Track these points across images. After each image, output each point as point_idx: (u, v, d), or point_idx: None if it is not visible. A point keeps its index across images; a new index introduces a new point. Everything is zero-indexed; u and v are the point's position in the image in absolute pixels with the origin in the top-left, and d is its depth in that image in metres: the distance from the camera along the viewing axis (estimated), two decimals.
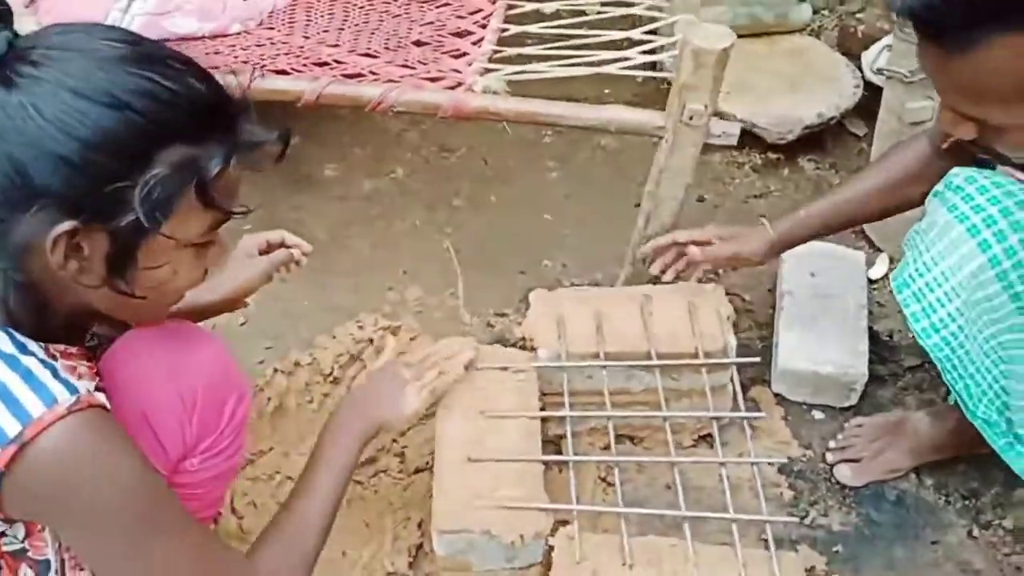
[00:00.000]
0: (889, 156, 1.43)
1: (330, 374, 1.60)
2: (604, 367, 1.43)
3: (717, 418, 1.43)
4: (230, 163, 0.85)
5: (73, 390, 0.83)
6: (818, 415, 1.61)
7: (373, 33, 1.69)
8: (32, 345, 0.85)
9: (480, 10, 1.74)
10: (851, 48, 2.29)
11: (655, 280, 1.65)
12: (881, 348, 1.68)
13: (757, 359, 1.50)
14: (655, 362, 1.43)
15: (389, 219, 2.02)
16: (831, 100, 2.13)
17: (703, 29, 1.39)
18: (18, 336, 0.85)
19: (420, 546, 1.40)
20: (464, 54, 1.63)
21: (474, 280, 1.87)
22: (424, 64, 1.59)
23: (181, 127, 0.83)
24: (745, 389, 1.61)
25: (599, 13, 1.79)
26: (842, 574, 1.39)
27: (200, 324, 1.69)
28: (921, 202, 1.24)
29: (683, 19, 1.53)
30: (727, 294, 1.56)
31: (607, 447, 1.42)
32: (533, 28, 1.73)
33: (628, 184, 2.03)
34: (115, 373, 0.96)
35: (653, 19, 1.73)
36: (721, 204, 2.08)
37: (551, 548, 1.24)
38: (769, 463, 1.51)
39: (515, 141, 2.22)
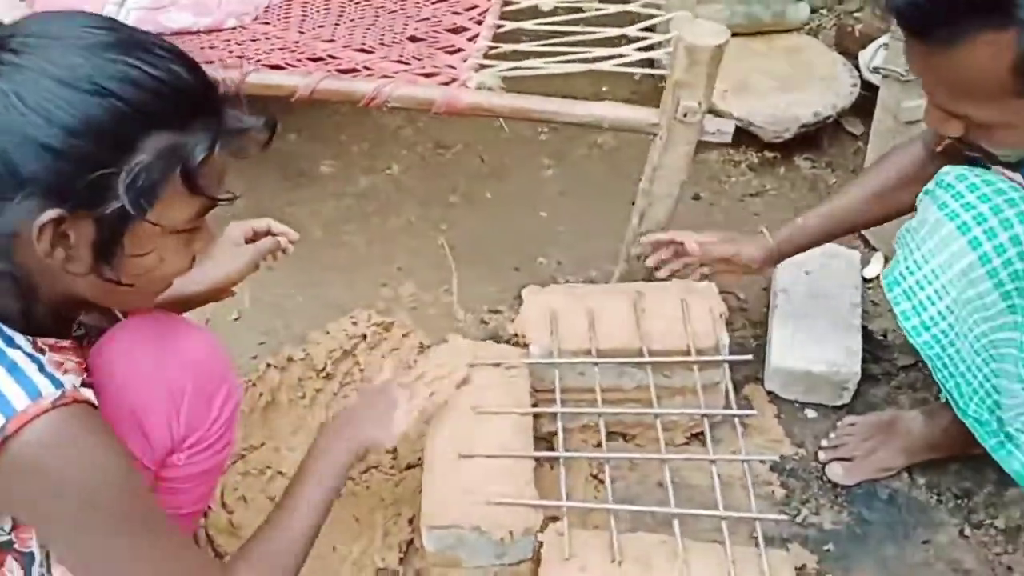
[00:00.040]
0: (885, 161, 1.42)
1: (323, 369, 1.60)
2: (596, 364, 1.43)
3: (708, 416, 1.42)
4: (215, 149, 0.85)
5: (58, 384, 0.83)
6: (811, 413, 1.61)
7: (368, 28, 1.69)
8: (19, 339, 0.85)
9: (476, 6, 1.74)
10: (849, 47, 2.29)
11: (649, 277, 1.66)
12: (875, 347, 1.68)
13: (749, 357, 1.50)
14: (647, 359, 1.43)
15: (384, 215, 2.02)
16: (828, 99, 2.13)
17: (697, 26, 1.39)
18: (5, 329, 0.85)
19: (411, 542, 1.40)
20: (459, 50, 1.63)
21: (468, 277, 1.87)
22: (419, 60, 1.59)
23: (165, 114, 0.83)
24: (738, 387, 1.62)
25: (597, 10, 1.79)
26: (833, 573, 1.39)
27: (192, 318, 1.70)
28: None
29: (678, 16, 1.52)
30: (721, 292, 1.56)
31: (599, 444, 1.42)
32: (529, 24, 1.73)
33: (624, 182, 2.02)
34: (103, 366, 0.96)
35: (650, 16, 1.73)
36: (717, 202, 2.08)
37: (541, 544, 1.24)
38: (761, 461, 1.51)
39: (511, 138, 2.22)
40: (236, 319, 1.78)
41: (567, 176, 2.14)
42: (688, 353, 1.44)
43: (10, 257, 0.83)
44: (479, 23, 1.68)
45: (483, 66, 1.56)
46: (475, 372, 1.42)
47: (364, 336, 1.65)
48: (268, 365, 1.59)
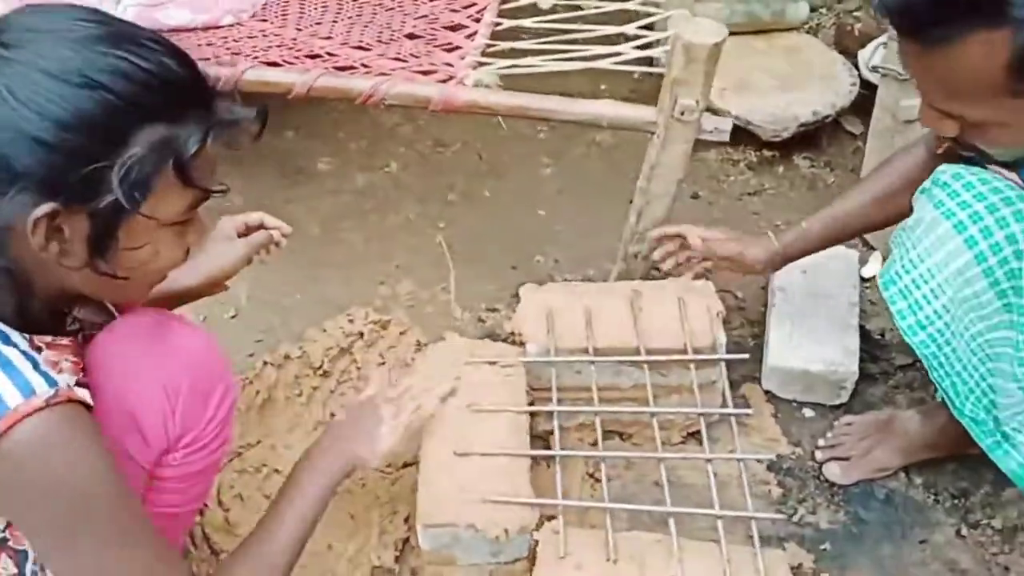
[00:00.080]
0: (887, 165, 1.42)
1: (320, 367, 1.60)
2: (593, 362, 1.43)
3: (705, 414, 1.42)
4: (208, 141, 0.85)
5: (52, 383, 0.83)
6: (808, 413, 1.61)
7: (366, 26, 1.69)
8: (15, 336, 0.85)
9: (474, 4, 1.74)
10: (848, 46, 2.29)
11: (647, 276, 1.65)
12: (872, 346, 1.68)
13: (746, 356, 1.50)
14: (644, 358, 1.43)
15: (382, 213, 2.01)
16: (827, 98, 2.13)
17: (695, 24, 1.39)
18: (1, 327, 0.85)
19: (407, 540, 1.40)
20: (457, 48, 1.62)
21: (466, 275, 1.87)
22: (416, 57, 1.59)
23: (157, 106, 0.83)
24: (736, 386, 1.62)
25: (596, 8, 1.79)
26: (829, 572, 1.39)
27: (189, 316, 1.70)
28: None
29: (676, 14, 1.52)
30: (719, 291, 1.56)
31: (595, 443, 1.41)
32: (527, 22, 1.73)
33: (622, 180, 2.01)
34: (100, 364, 0.96)
35: (649, 14, 1.73)
36: (716, 201, 2.08)
37: (536, 543, 1.24)
38: (758, 460, 1.51)
39: (510, 136, 2.22)
40: (233, 317, 1.78)
41: (565, 174, 2.13)
42: (685, 352, 1.44)
43: (5, 252, 0.83)
44: (477, 21, 1.68)
45: (481, 64, 1.56)
46: (471, 370, 1.42)
47: (361, 334, 1.65)
48: (265, 363, 1.59)
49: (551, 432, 1.41)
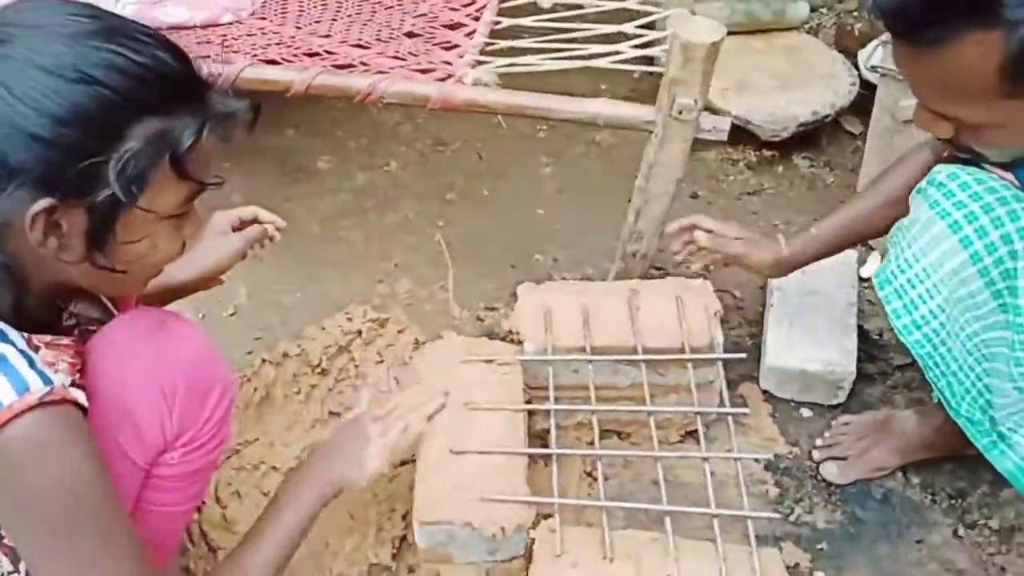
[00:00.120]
0: (893, 170, 1.41)
1: (318, 365, 1.60)
2: (590, 361, 1.43)
3: (702, 413, 1.42)
4: (203, 134, 0.86)
5: (47, 381, 0.83)
6: (806, 412, 1.61)
7: (365, 24, 1.69)
8: (12, 334, 0.85)
9: (473, 3, 1.74)
10: (848, 46, 2.29)
11: (645, 275, 1.66)
12: (870, 346, 1.68)
13: (743, 355, 1.50)
14: (641, 357, 1.43)
15: (381, 212, 2.02)
16: (827, 98, 2.13)
17: (693, 23, 1.39)
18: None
19: (404, 538, 1.40)
20: (456, 46, 1.63)
21: (465, 274, 1.87)
22: (415, 56, 1.59)
23: (152, 100, 0.83)
24: (733, 386, 1.62)
25: (595, 7, 1.79)
26: (826, 571, 1.38)
27: (188, 314, 1.70)
28: None
29: (675, 13, 1.52)
30: (717, 290, 1.56)
31: (593, 442, 1.41)
32: (526, 21, 1.73)
33: (622, 180, 2.01)
34: (97, 365, 0.96)
35: (648, 13, 1.73)
36: (715, 201, 2.08)
37: (533, 541, 1.24)
38: (755, 459, 1.51)
39: (509, 136, 2.22)
40: (232, 314, 1.78)
41: (565, 174, 2.13)
42: (682, 351, 1.44)
43: (3, 248, 0.83)
44: (476, 19, 1.69)
45: (479, 62, 1.56)
46: (468, 368, 1.42)
47: (359, 332, 1.65)
48: (263, 361, 1.59)
49: (548, 431, 1.41)
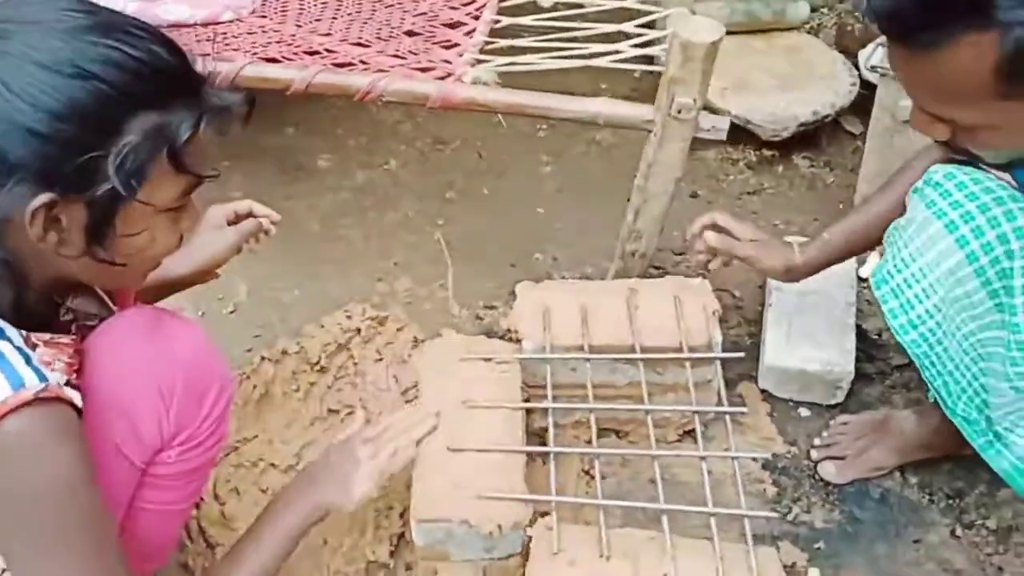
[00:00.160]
0: (903, 172, 1.39)
1: (317, 363, 1.60)
2: (588, 360, 1.43)
3: (699, 412, 1.42)
4: (200, 127, 0.86)
5: (43, 378, 0.83)
6: (804, 412, 1.61)
7: (365, 22, 1.70)
8: (10, 331, 0.86)
9: (473, 1, 1.74)
10: (848, 46, 2.29)
11: (644, 275, 1.66)
12: (869, 346, 1.68)
13: (741, 354, 1.50)
14: (639, 355, 1.43)
15: (381, 210, 2.02)
16: (827, 98, 2.13)
17: (692, 22, 1.39)
18: None
19: (402, 535, 1.40)
20: (455, 45, 1.63)
21: (464, 272, 1.87)
22: (415, 54, 1.59)
23: (148, 94, 0.84)
24: (732, 385, 1.62)
25: (595, 7, 1.79)
26: (824, 571, 1.38)
27: (187, 311, 1.70)
28: None
29: (674, 12, 1.52)
30: (716, 290, 1.56)
31: (591, 440, 1.41)
32: (526, 20, 1.73)
33: (622, 179, 2.01)
34: (94, 362, 0.96)
35: (648, 13, 1.73)
36: (715, 200, 2.08)
37: (530, 539, 1.24)
38: (753, 459, 1.51)
39: (510, 135, 2.22)
40: (232, 312, 1.78)
41: (565, 173, 2.13)
42: (681, 350, 1.44)
43: (3, 243, 0.84)
44: (476, 18, 1.69)
45: (479, 61, 1.56)
46: (467, 366, 1.42)
47: (358, 330, 1.66)
48: (262, 358, 1.60)
49: (546, 429, 1.41)
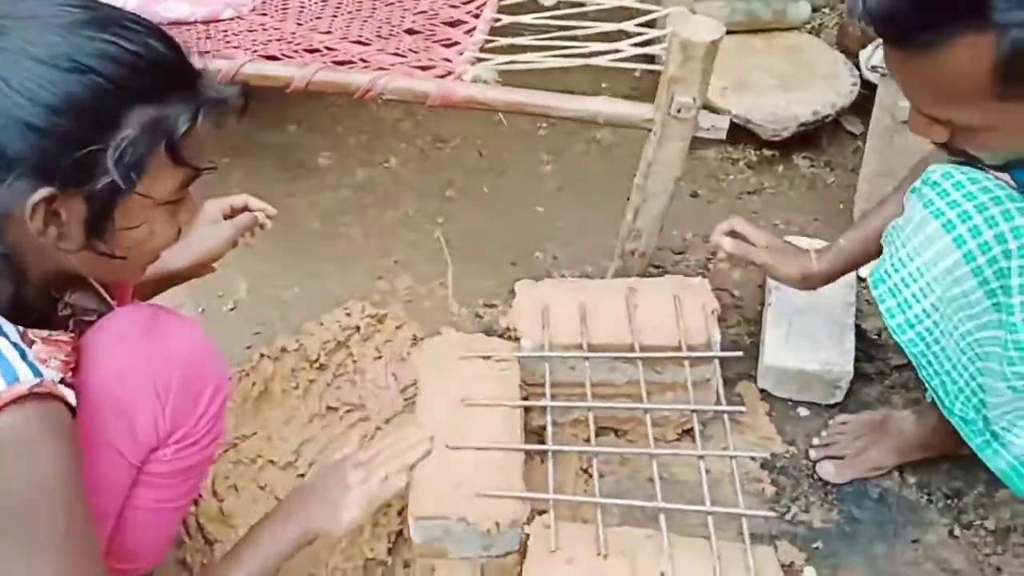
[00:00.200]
0: (914, 174, 1.39)
1: (316, 360, 1.61)
2: (587, 358, 1.43)
3: (698, 411, 1.42)
4: (198, 120, 0.87)
5: (37, 374, 0.83)
6: (803, 412, 1.61)
7: (366, 21, 1.70)
8: (7, 327, 0.86)
9: (473, 0, 1.74)
10: (850, 46, 2.29)
11: (644, 274, 1.66)
12: (868, 346, 1.68)
13: (740, 353, 1.49)
14: (638, 354, 1.43)
15: (381, 208, 2.02)
16: (827, 98, 2.13)
17: (692, 21, 1.39)
18: None
19: (400, 532, 1.40)
20: (456, 43, 1.63)
21: (464, 271, 1.87)
22: (415, 52, 1.59)
23: (145, 88, 0.85)
24: (731, 385, 1.62)
25: (596, 5, 1.79)
26: (822, 570, 1.39)
27: (189, 308, 1.70)
28: None
29: (674, 12, 1.52)
30: (717, 289, 1.56)
31: (589, 439, 1.41)
32: (526, 19, 1.73)
33: (622, 178, 2.00)
34: (90, 360, 0.96)
35: (649, 12, 1.73)
36: (715, 200, 2.08)
37: (528, 537, 1.24)
38: (752, 458, 1.51)
39: (510, 133, 2.22)
40: (232, 309, 1.78)
41: (565, 172, 2.14)
42: (679, 349, 1.44)
43: (2, 239, 0.84)
44: (476, 16, 1.69)
45: (479, 60, 1.56)
46: (466, 364, 1.42)
47: (358, 328, 1.66)
48: (262, 355, 1.60)
49: (545, 427, 1.41)
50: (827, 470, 1.50)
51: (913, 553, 1.42)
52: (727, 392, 1.50)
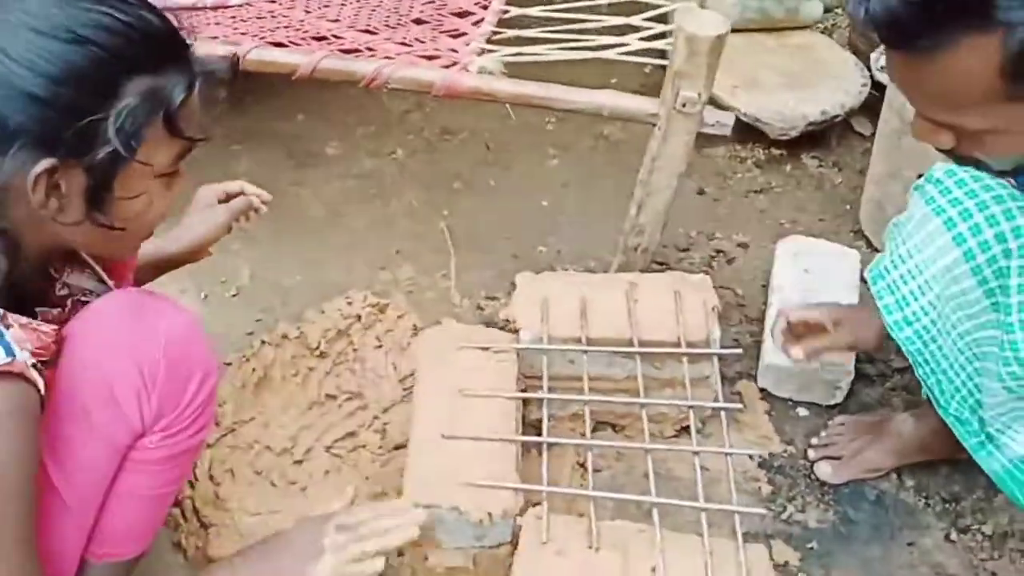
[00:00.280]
0: None
1: (316, 348, 1.61)
2: (585, 352, 1.43)
3: (695, 408, 1.42)
4: (193, 90, 0.88)
5: (10, 353, 0.83)
6: (802, 412, 1.60)
7: (374, 10, 1.70)
8: None
9: None
10: (861, 47, 2.27)
11: (647, 269, 1.65)
12: None
13: (739, 351, 1.49)
14: (637, 349, 1.43)
15: (387, 198, 2.02)
16: (837, 98, 2.11)
17: (698, 16, 1.39)
18: None
19: None
20: (463, 34, 1.63)
21: (467, 263, 1.87)
22: (422, 42, 1.60)
23: (139, 58, 0.86)
24: (731, 383, 1.62)
25: None
26: (815, 570, 1.38)
27: (192, 293, 1.70)
28: None
29: (681, 6, 1.52)
30: (720, 287, 1.56)
31: (586, 433, 1.41)
32: (534, 11, 1.73)
33: (628, 174, 1.99)
34: (77, 339, 0.95)
35: (658, 6, 1.73)
36: (722, 198, 2.07)
37: (520, 528, 1.24)
38: (750, 456, 1.50)
39: (518, 127, 2.22)
40: (234, 295, 1.79)
41: (571, 166, 2.13)
42: (679, 345, 1.43)
43: (4, 212, 0.84)
44: (484, 8, 1.69)
45: (485, 51, 1.56)
46: (465, 355, 1.42)
47: (359, 317, 1.66)
48: (263, 342, 1.60)
49: (542, 420, 1.41)
50: (824, 470, 1.49)
51: (908, 556, 1.41)
52: (727, 390, 1.49)
